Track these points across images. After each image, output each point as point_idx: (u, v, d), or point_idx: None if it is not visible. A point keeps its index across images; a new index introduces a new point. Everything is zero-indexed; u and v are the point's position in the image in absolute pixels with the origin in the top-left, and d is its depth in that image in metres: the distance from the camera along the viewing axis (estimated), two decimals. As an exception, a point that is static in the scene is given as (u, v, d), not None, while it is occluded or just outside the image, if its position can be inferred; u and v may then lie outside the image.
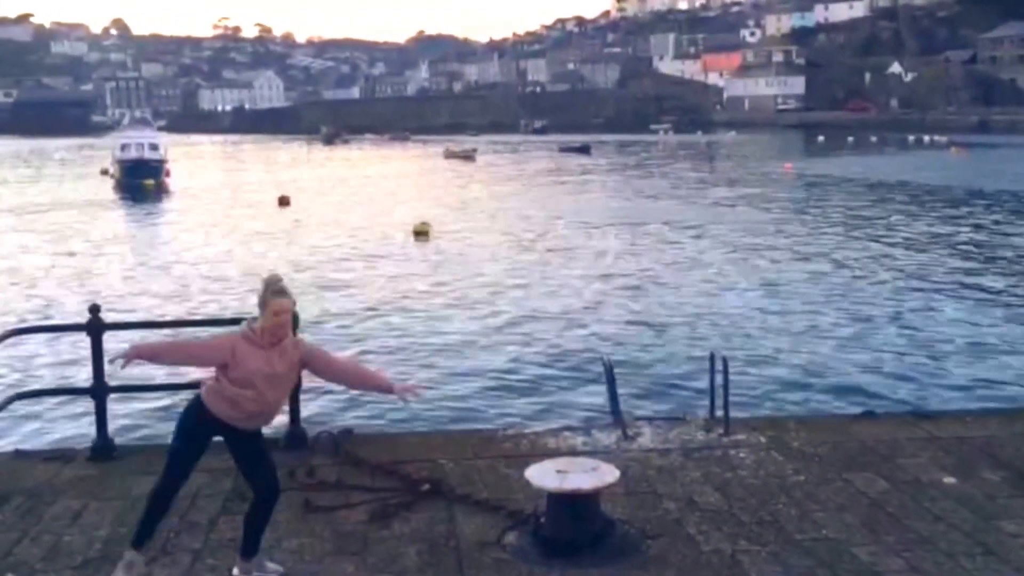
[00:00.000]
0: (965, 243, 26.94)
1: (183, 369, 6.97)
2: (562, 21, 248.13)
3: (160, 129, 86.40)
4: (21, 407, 9.82)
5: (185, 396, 5.37)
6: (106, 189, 50.93)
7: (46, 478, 6.72)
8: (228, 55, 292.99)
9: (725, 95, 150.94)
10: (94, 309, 7.05)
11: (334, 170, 66.47)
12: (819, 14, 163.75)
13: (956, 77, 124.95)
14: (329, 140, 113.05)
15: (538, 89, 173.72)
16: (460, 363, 14.36)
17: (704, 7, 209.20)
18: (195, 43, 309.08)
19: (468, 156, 75.69)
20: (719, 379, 7.69)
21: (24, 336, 11.55)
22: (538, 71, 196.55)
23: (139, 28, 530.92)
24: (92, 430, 7.35)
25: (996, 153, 69.84)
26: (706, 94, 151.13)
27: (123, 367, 4.88)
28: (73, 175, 64.51)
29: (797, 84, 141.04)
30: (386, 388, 5.18)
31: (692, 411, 8.87)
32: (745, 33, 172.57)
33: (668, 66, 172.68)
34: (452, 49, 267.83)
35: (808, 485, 6.48)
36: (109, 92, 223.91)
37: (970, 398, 12.12)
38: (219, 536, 5.73)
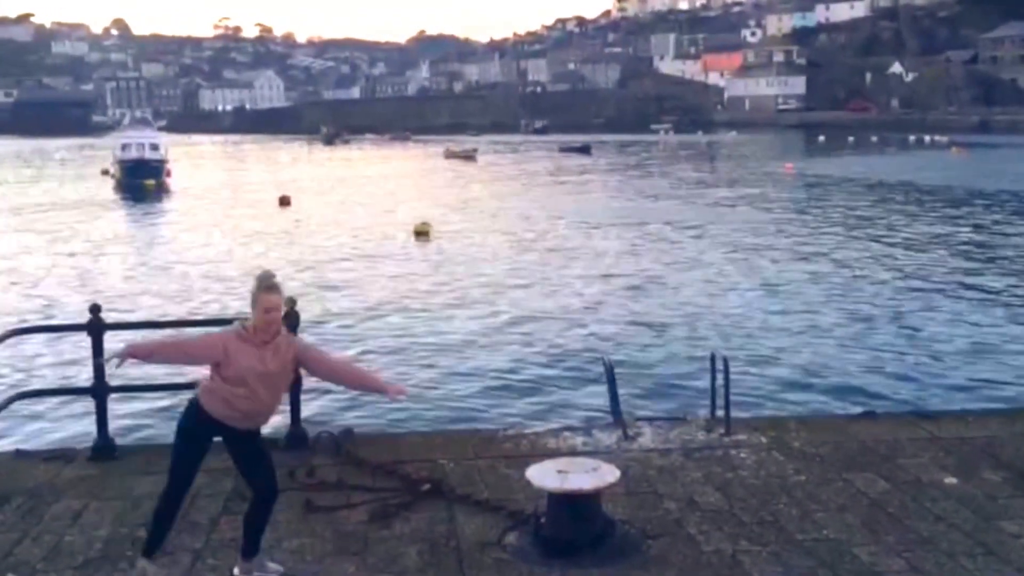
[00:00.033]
0: (966, 243, 26.93)
1: (183, 369, 6.99)
2: (563, 21, 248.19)
3: (161, 129, 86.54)
4: (22, 407, 9.81)
5: (185, 396, 5.37)
6: (107, 189, 50.96)
7: (47, 478, 6.73)
8: (229, 55, 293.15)
9: (726, 95, 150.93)
10: (95, 309, 7.06)
11: (334, 170, 66.45)
12: (820, 14, 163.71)
13: (957, 77, 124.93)
14: (329, 140, 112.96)
15: (539, 89, 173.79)
16: (460, 363, 14.35)
17: (705, 7, 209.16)
18: (196, 43, 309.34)
19: (469, 156, 75.67)
20: (720, 379, 7.69)
21: (25, 336, 11.58)
22: (539, 71, 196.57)
23: (140, 28, 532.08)
24: (93, 430, 7.37)
25: (997, 153, 69.82)
26: (707, 94, 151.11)
27: (118, 366, 4.88)
28: (74, 175, 64.49)
29: (798, 84, 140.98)
30: (379, 388, 5.19)
31: (693, 411, 8.88)
32: (746, 33, 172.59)
33: (669, 66, 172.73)
34: (453, 49, 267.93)
35: (809, 485, 6.48)
36: (110, 92, 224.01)
37: (971, 398, 12.10)
38: (220, 536, 5.73)
